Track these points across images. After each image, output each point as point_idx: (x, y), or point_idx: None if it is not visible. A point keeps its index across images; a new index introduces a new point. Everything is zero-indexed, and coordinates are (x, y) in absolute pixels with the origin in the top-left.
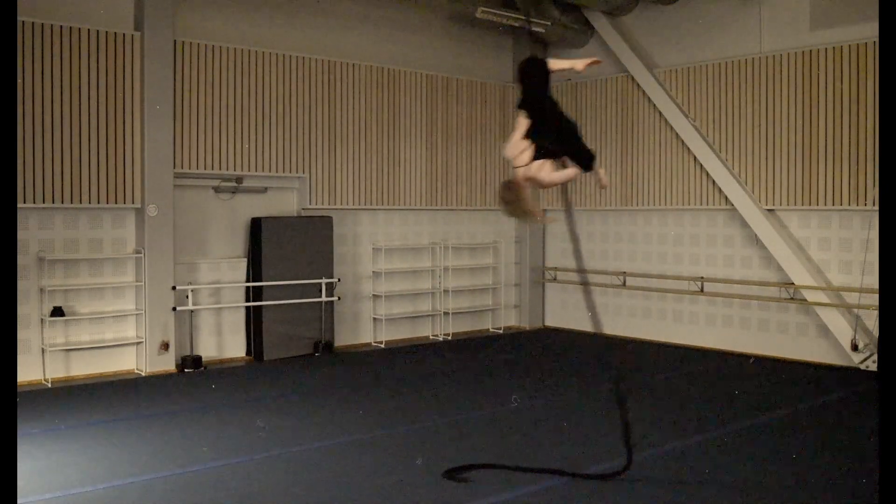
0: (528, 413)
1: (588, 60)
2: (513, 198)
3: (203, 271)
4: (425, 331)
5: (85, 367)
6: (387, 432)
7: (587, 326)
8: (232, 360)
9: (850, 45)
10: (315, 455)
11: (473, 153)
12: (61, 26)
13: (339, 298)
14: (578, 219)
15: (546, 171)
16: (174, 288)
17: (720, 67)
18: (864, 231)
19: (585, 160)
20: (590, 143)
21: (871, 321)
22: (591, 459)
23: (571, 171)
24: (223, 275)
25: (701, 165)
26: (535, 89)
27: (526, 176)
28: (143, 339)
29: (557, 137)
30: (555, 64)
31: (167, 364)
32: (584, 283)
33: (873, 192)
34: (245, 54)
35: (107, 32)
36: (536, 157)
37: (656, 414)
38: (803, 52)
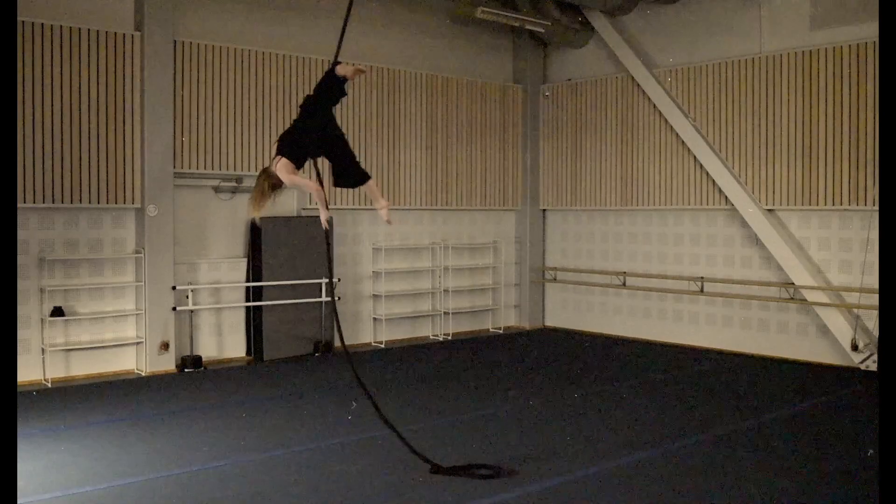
0: (528, 413)
1: (354, 68)
2: (256, 183)
3: (203, 271)
4: (425, 331)
5: (85, 367)
6: (386, 432)
7: (587, 326)
8: (232, 360)
9: (850, 45)
10: (315, 455)
11: (473, 153)
12: (61, 26)
13: (339, 298)
14: (578, 219)
15: (282, 170)
16: (174, 288)
17: (720, 67)
18: (864, 231)
19: (345, 178)
20: (589, 143)
21: (871, 321)
22: (591, 459)
23: (309, 182)
24: (223, 275)
25: (701, 165)
26: (314, 92)
27: (270, 169)
28: (143, 339)
29: (296, 141)
30: (340, 69)
31: (167, 364)
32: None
33: (873, 192)
34: (245, 54)
35: (107, 32)
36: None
37: (656, 414)
38: (803, 52)
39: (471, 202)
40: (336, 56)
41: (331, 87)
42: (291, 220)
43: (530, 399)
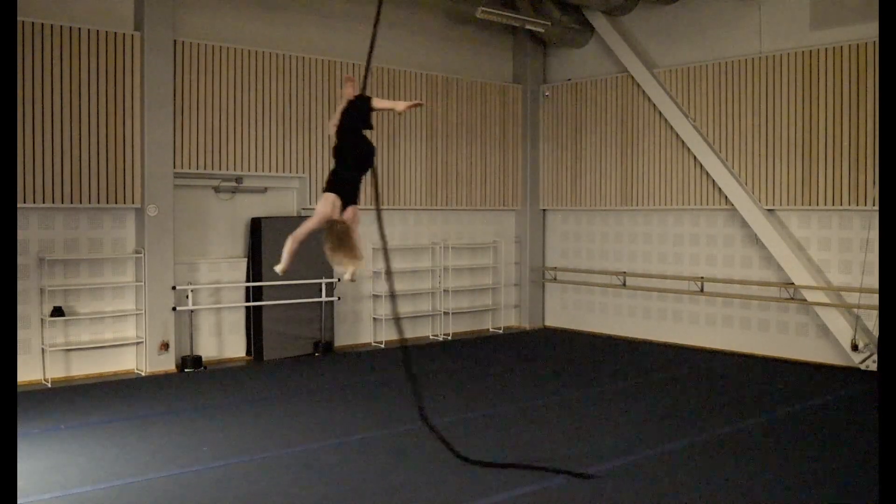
0: (529, 413)
1: (410, 103)
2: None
3: (203, 271)
4: (425, 331)
5: (85, 367)
6: (386, 432)
7: (587, 326)
8: (232, 360)
9: (850, 45)
10: (315, 455)
11: (473, 153)
12: (61, 26)
13: (339, 298)
14: (578, 219)
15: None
16: (174, 288)
17: (720, 67)
18: (864, 231)
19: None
20: (589, 143)
21: (871, 321)
22: (591, 458)
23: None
24: (223, 275)
25: (701, 165)
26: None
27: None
28: (143, 339)
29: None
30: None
31: (167, 364)
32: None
33: (873, 192)
34: (245, 54)
35: (107, 32)
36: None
37: (656, 414)
38: (803, 52)
39: (471, 202)
40: (366, 75)
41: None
42: (291, 219)
43: (530, 399)
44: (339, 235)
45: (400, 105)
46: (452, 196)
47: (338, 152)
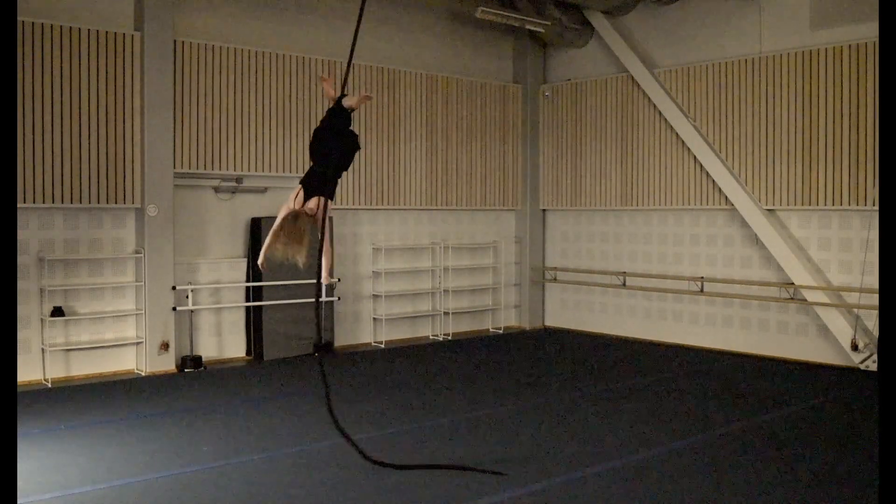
0: (528, 413)
1: (359, 97)
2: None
3: (203, 271)
4: (425, 331)
5: (85, 367)
6: (387, 432)
7: (587, 326)
8: (232, 360)
9: (850, 45)
10: (315, 455)
11: (473, 153)
12: (61, 26)
13: (339, 298)
14: (578, 219)
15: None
16: (174, 288)
17: (720, 67)
18: (864, 231)
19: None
20: (589, 143)
21: (871, 321)
22: (591, 459)
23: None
24: (223, 275)
25: (701, 165)
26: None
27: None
28: (143, 339)
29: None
30: (345, 101)
31: (167, 364)
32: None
33: (873, 192)
34: (245, 54)
35: (107, 32)
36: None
37: (656, 414)
38: (803, 52)
39: (471, 202)
40: (346, 74)
41: (338, 117)
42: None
43: (530, 399)
44: (285, 223)
45: (353, 100)
46: (452, 196)
47: (310, 147)
